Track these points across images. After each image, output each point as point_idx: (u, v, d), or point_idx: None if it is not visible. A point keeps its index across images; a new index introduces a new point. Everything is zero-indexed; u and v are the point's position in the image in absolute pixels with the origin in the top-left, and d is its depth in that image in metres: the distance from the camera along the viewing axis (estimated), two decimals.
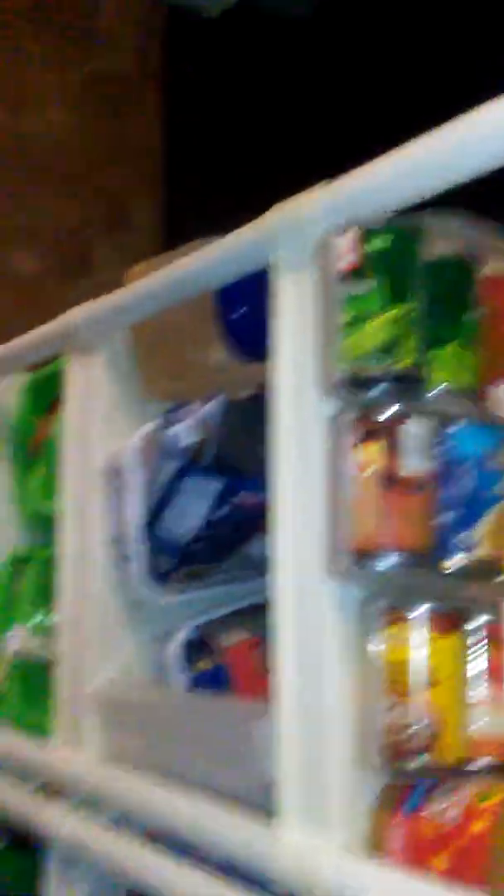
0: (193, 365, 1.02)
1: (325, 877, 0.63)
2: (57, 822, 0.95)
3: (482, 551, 0.67)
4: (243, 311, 0.94)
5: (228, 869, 0.79)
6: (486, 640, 0.68)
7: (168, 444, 0.85)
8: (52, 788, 1.00)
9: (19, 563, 1.30)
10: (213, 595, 0.99)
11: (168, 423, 0.85)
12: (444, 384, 0.68)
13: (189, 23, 1.79)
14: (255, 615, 0.97)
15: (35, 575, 1.21)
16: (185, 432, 0.84)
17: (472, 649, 0.67)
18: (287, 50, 1.89)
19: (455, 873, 0.60)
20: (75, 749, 0.97)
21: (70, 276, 1.07)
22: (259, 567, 0.98)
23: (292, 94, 1.81)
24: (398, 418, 0.65)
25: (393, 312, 0.65)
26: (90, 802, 0.95)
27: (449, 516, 0.67)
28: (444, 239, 0.69)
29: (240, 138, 1.68)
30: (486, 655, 0.68)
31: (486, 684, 0.67)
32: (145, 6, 1.76)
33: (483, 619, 0.69)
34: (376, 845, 0.65)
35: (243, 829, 0.72)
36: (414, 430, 0.65)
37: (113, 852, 0.88)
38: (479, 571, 0.67)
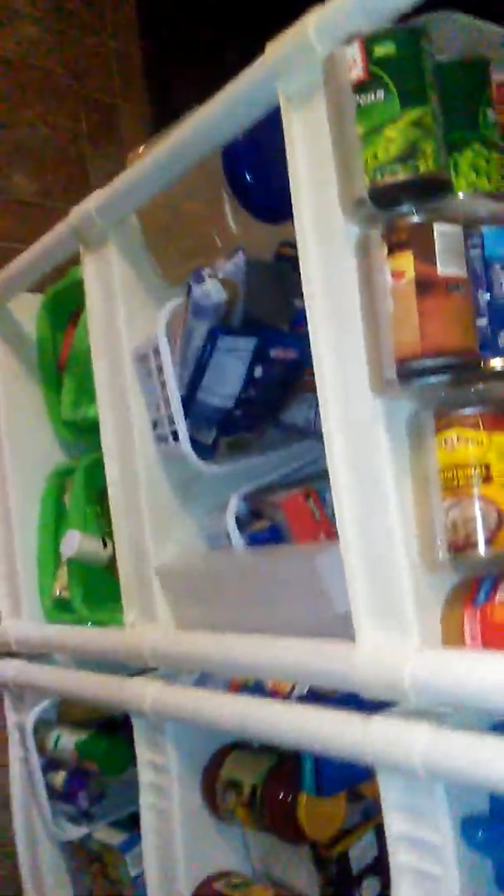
0: (209, 243, 1.02)
1: (406, 673, 0.66)
2: (142, 694, 0.99)
3: None
4: (254, 171, 0.94)
5: (312, 699, 0.83)
6: None
7: (198, 302, 0.86)
8: (132, 667, 1.04)
9: (64, 475, 1.33)
10: (259, 463, 1.01)
11: (195, 283, 0.85)
12: (469, 187, 0.68)
13: None
14: (304, 476, 1.00)
15: (82, 481, 1.24)
16: (214, 289, 0.84)
17: None
18: None
19: None
20: (149, 625, 1.00)
21: (68, 191, 1.07)
22: (301, 432, 1.00)
23: None
24: (426, 223, 0.65)
25: (408, 117, 0.64)
26: (170, 673, 1.00)
27: (487, 317, 0.68)
28: (453, 41, 0.68)
29: (223, 31, 1.63)
30: None
31: None
32: None
33: None
34: (452, 640, 0.68)
35: (324, 651, 0.75)
36: (443, 232, 0.65)
37: (202, 708, 0.92)
38: None
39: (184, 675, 1.00)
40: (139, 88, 1.69)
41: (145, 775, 1.02)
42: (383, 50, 0.65)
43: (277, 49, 0.72)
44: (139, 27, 1.78)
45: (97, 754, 1.17)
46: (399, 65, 0.65)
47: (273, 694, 0.91)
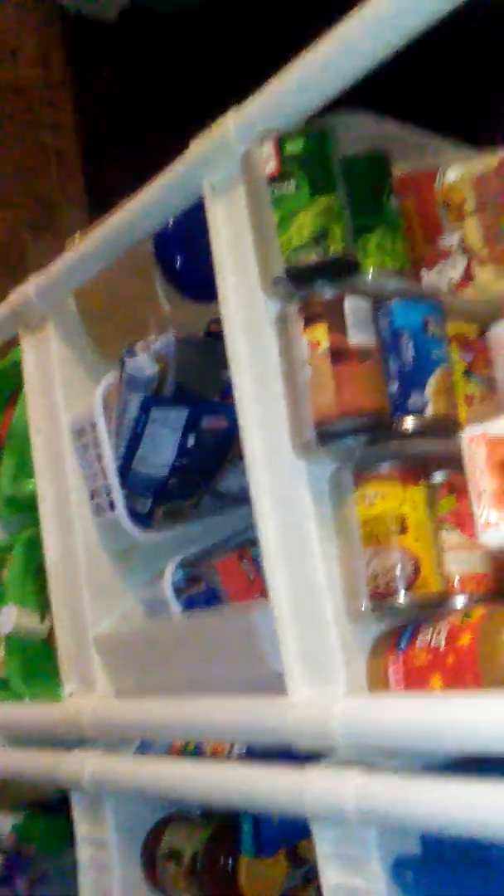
0: (143, 321, 1.08)
1: (337, 720, 0.68)
2: (80, 767, 0.98)
3: (434, 410, 0.74)
4: (182, 254, 1.01)
5: (249, 758, 0.85)
6: (449, 491, 0.75)
7: (131, 375, 0.90)
8: (67, 741, 1.03)
9: (2, 551, 1.33)
10: (196, 530, 1.04)
11: (128, 358, 0.90)
12: (377, 266, 0.75)
13: (88, 28, 1.86)
14: (241, 541, 1.03)
15: (21, 555, 1.25)
16: (145, 362, 0.89)
17: (437, 500, 0.74)
18: (179, 42, 1.98)
19: (451, 688, 0.66)
20: (87, 695, 1.01)
21: (7, 280, 1.12)
22: (236, 499, 1.04)
23: (192, 82, 1.90)
24: (337, 298, 0.72)
25: (317, 205, 0.72)
26: (109, 743, 0.99)
27: (398, 383, 0.74)
28: (357, 137, 0.76)
29: (153, 130, 1.75)
30: (450, 504, 0.74)
31: (454, 529, 0.74)
32: (44, 18, 1.83)
33: (444, 473, 0.75)
34: (378, 687, 0.71)
35: (257, 707, 0.77)
36: (353, 306, 0.72)
37: (141, 776, 0.92)
38: (435, 429, 0.74)
39: (124, 746, 1.00)
40: (77, 184, 1.78)
41: (84, 851, 1.01)
42: (294, 147, 0.72)
43: (201, 145, 0.80)
44: (76, 126, 1.88)
45: (34, 835, 1.14)
46: (308, 159, 0.72)
47: (212, 755, 0.92)
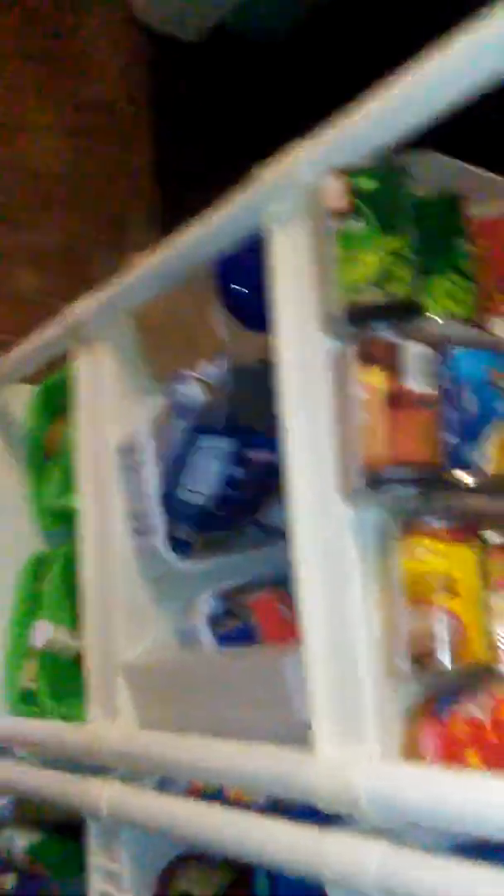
0: (200, 345, 1.06)
1: (363, 787, 0.65)
2: (98, 795, 0.96)
3: (493, 466, 0.70)
4: (243, 283, 0.99)
5: (272, 809, 0.81)
6: (502, 554, 0.71)
7: (180, 402, 0.89)
8: (91, 766, 1.01)
9: (41, 563, 1.33)
10: (235, 563, 1.02)
11: (179, 384, 0.89)
12: (443, 312, 0.72)
13: (172, 49, 1.88)
14: (278, 578, 1.00)
15: (58, 571, 1.24)
16: (196, 389, 0.88)
17: (489, 561, 0.70)
18: (263, 69, 1.98)
19: (489, 765, 0.62)
20: (111, 722, 0.99)
21: (70, 293, 1.13)
22: (277, 534, 1.02)
23: (273, 108, 1.90)
24: (398, 343, 0.69)
25: (385, 245, 0.69)
26: (130, 773, 0.97)
27: (456, 434, 0.71)
28: (429, 178, 0.73)
29: (228, 154, 1.75)
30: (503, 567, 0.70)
31: None
32: (129, 36, 1.85)
33: (500, 534, 0.72)
34: (411, 754, 0.67)
35: (282, 759, 0.74)
36: (415, 351, 0.69)
37: (157, 813, 0.89)
38: (493, 486, 0.70)
39: (145, 777, 0.97)
40: (150, 200, 1.79)
41: (96, 883, 0.98)
42: (366, 184, 0.70)
43: (267, 175, 0.78)
44: (153, 142, 1.89)
45: (49, 858, 1.12)
46: (379, 198, 0.70)
47: (234, 802, 0.89)
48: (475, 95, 0.63)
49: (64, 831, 1.15)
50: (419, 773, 0.63)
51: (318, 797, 0.69)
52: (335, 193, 0.71)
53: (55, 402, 1.36)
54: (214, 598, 0.98)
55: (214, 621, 0.97)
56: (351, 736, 0.69)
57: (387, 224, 0.69)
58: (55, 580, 1.24)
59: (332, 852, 0.67)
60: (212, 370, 0.90)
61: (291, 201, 0.76)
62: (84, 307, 1.07)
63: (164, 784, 0.97)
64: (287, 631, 0.91)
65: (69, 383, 1.18)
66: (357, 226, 0.70)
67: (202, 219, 0.87)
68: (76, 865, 1.08)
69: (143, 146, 1.89)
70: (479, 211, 0.78)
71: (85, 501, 1.08)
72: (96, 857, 0.99)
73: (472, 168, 0.77)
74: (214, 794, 0.92)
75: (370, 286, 0.69)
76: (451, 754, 0.64)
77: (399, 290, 0.69)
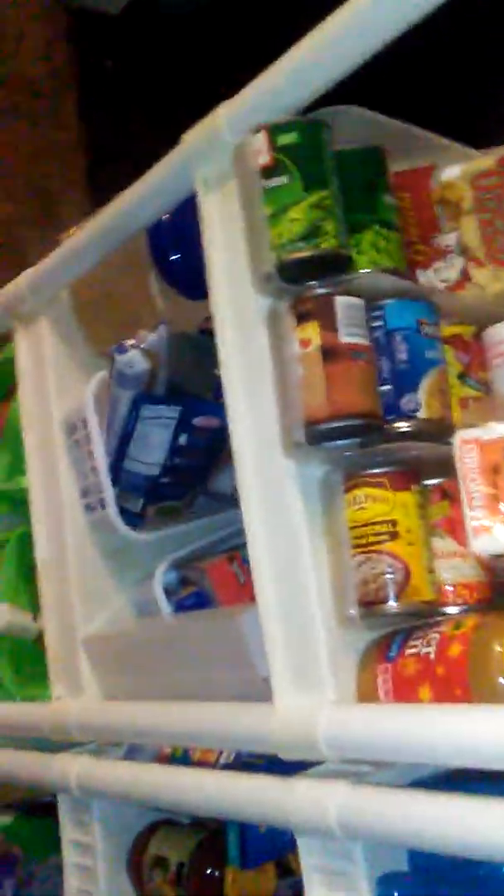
0: (139, 316, 1.06)
1: (321, 729, 0.66)
2: (67, 770, 0.97)
3: (428, 413, 0.72)
4: (178, 251, 0.99)
5: (238, 767, 0.83)
6: (441, 496, 0.73)
7: (122, 372, 0.89)
8: (58, 743, 1.02)
9: None
10: (188, 531, 1.02)
11: (119, 354, 0.89)
12: (371, 264, 0.73)
13: (93, 23, 1.85)
14: (234, 543, 1.01)
15: (13, 553, 1.23)
16: (137, 358, 0.88)
17: (429, 505, 0.72)
18: (183, 38, 1.97)
19: (440, 699, 0.64)
20: (75, 696, 0.99)
21: (4, 273, 1.11)
22: (229, 499, 1.03)
23: (194, 76, 1.89)
24: (329, 295, 0.70)
25: (310, 199, 0.70)
26: (97, 747, 0.98)
27: (390, 384, 0.72)
28: (353, 132, 0.74)
29: (153, 123, 1.73)
30: (442, 510, 0.72)
31: (446, 536, 0.72)
32: (51, 11, 1.82)
33: (437, 479, 0.73)
34: (367, 697, 0.69)
35: (242, 714, 0.75)
36: (346, 304, 0.70)
37: (126, 781, 0.90)
38: (428, 431, 0.72)
39: (112, 749, 0.98)
40: (79, 176, 1.77)
41: (70, 856, 0.99)
42: (287, 139, 0.70)
43: (192, 138, 0.78)
44: (78, 119, 1.87)
45: (22, 837, 1.12)
46: (301, 152, 0.70)
47: (200, 764, 0.91)
48: (386, 47, 0.64)
49: (36, 810, 1.15)
50: (373, 710, 0.65)
51: (279, 746, 0.71)
52: (258, 150, 0.71)
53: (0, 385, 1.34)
54: (170, 569, 0.99)
55: (170, 590, 0.98)
56: (308, 685, 0.71)
57: (311, 178, 0.70)
58: (9, 562, 1.23)
59: (295, 798, 0.69)
60: (151, 338, 0.90)
61: (218, 163, 0.76)
62: (20, 285, 1.06)
63: (132, 754, 0.98)
64: (242, 593, 0.93)
65: (11, 365, 1.16)
66: (282, 181, 0.70)
67: (131, 187, 0.87)
68: (50, 843, 1.08)
69: (69, 122, 1.86)
70: (399, 164, 0.79)
71: (34, 480, 1.08)
72: (68, 832, 1.00)
73: (391, 121, 0.78)
74: (180, 759, 0.93)
75: (298, 241, 0.69)
76: (404, 693, 0.66)
77: (326, 244, 0.69)
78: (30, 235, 1.66)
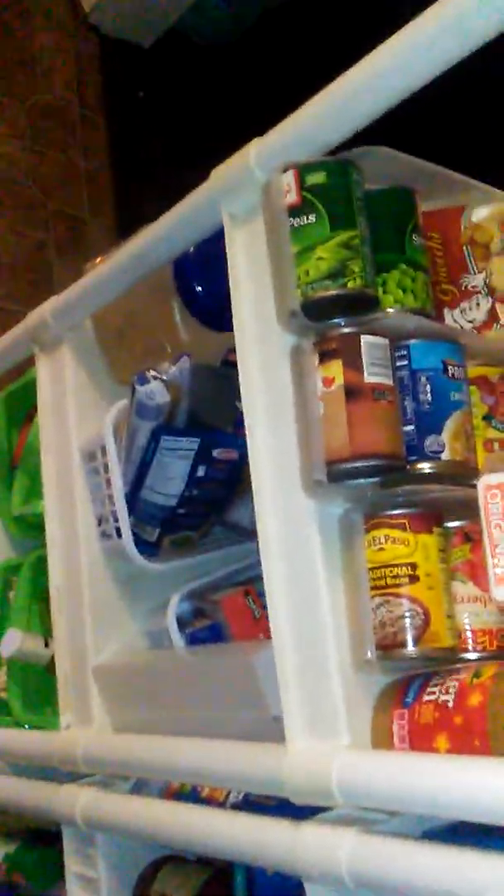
0: (160, 347, 1.06)
1: (334, 775, 0.65)
2: (72, 801, 0.96)
3: (451, 454, 0.71)
4: (203, 283, 0.99)
5: (247, 807, 0.81)
6: (463, 540, 0.72)
7: (142, 402, 0.88)
8: (65, 772, 1.00)
9: (10, 572, 1.31)
10: (203, 562, 1.02)
11: (140, 385, 0.89)
12: (397, 304, 0.72)
13: (125, 53, 1.88)
14: (249, 576, 1.01)
15: (28, 577, 1.23)
16: (158, 389, 0.88)
17: (450, 548, 0.71)
18: (214, 71, 2.00)
19: (457, 749, 0.62)
20: (84, 728, 0.98)
21: (32, 297, 1.12)
22: (245, 533, 1.02)
23: (223, 110, 1.91)
24: (354, 334, 0.69)
25: (337, 239, 0.70)
26: (104, 778, 0.97)
27: (414, 425, 0.71)
28: (380, 173, 0.74)
29: (183, 156, 1.75)
30: (464, 553, 0.71)
31: (467, 581, 0.71)
32: (79, 40, 1.85)
33: (459, 522, 0.73)
34: (381, 742, 0.68)
35: (254, 754, 0.74)
36: (370, 343, 0.69)
37: (131, 816, 0.89)
38: (451, 474, 0.71)
39: (119, 782, 0.97)
40: (107, 204, 1.78)
41: (73, 890, 0.98)
42: (315, 178, 0.70)
43: (222, 173, 0.78)
44: (109, 147, 1.89)
45: (26, 867, 1.11)
46: (329, 192, 0.70)
47: (208, 801, 0.89)
48: (419, 90, 0.64)
49: (41, 839, 1.14)
50: (389, 758, 0.64)
51: (290, 790, 0.70)
52: (286, 189, 0.71)
53: (19, 409, 1.35)
54: (184, 599, 0.98)
55: (184, 621, 0.97)
56: (322, 728, 0.69)
57: (339, 217, 0.70)
58: (23, 587, 1.23)
59: (305, 844, 0.67)
60: (173, 370, 0.90)
61: (246, 199, 0.76)
62: (44, 311, 1.07)
63: (139, 787, 0.96)
64: (256, 627, 0.92)
65: (32, 389, 1.17)
66: (309, 220, 0.70)
67: (159, 220, 0.87)
68: (54, 873, 1.07)
69: (98, 151, 1.88)
70: (429, 204, 0.79)
71: (51, 506, 1.08)
72: (72, 864, 0.98)
73: (421, 161, 0.78)
74: (189, 795, 0.92)
75: (325, 280, 0.69)
76: (421, 740, 0.65)
77: (353, 283, 0.69)
78: (57, 263, 1.67)
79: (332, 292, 0.69)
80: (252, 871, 0.86)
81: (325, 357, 0.70)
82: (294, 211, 0.71)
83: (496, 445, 0.76)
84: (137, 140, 1.93)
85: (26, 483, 1.30)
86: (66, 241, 1.73)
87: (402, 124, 0.74)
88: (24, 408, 1.34)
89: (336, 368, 0.69)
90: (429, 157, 0.80)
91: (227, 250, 0.79)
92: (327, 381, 0.69)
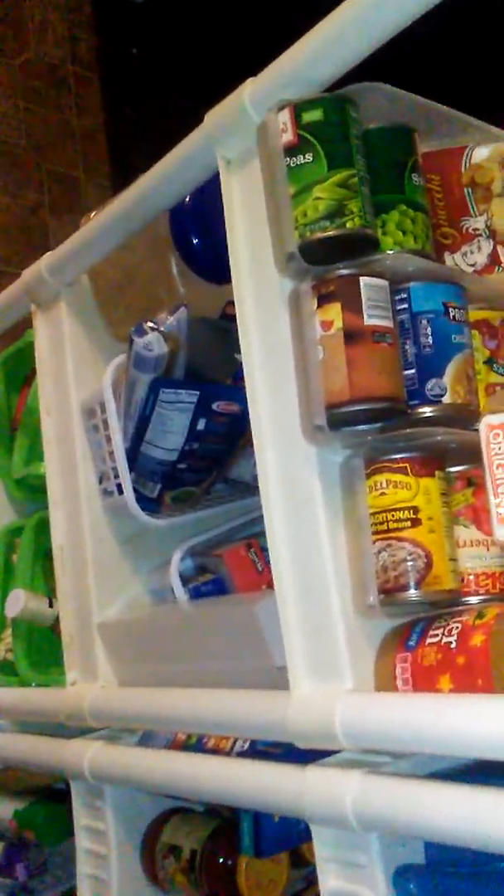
0: (158, 301, 1.05)
1: (338, 717, 0.65)
2: (80, 756, 0.96)
3: (453, 398, 0.70)
4: (199, 234, 0.97)
5: (253, 755, 0.82)
6: (465, 484, 0.72)
7: (140, 354, 0.87)
8: (72, 728, 1.01)
9: (13, 534, 1.31)
10: (205, 517, 1.01)
11: (138, 336, 0.87)
12: (396, 245, 0.71)
13: (117, 9, 1.84)
14: (252, 531, 1.00)
15: (31, 538, 1.23)
16: (155, 340, 0.86)
17: (452, 492, 0.71)
18: (207, 26, 1.95)
19: (460, 689, 0.62)
20: (90, 683, 0.99)
21: (28, 258, 1.11)
22: (247, 487, 1.01)
23: (217, 64, 1.87)
24: (353, 276, 0.68)
25: (335, 178, 0.68)
26: (111, 732, 0.97)
27: (415, 368, 0.70)
28: (381, 111, 0.72)
29: (176, 111, 1.72)
30: (466, 498, 0.71)
31: (469, 525, 0.71)
32: None
33: (461, 466, 0.72)
34: (385, 686, 0.68)
35: (259, 702, 0.74)
36: (370, 285, 0.68)
37: (139, 768, 0.89)
38: (453, 417, 0.70)
39: (126, 735, 0.98)
40: (102, 163, 1.76)
41: (83, 842, 0.99)
42: (311, 116, 0.69)
43: (215, 117, 0.76)
44: (103, 106, 1.86)
45: (35, 823, 1.12)
46: (326, 129, 0.69)
47: (214, 751, 0.90)
48: (419, 27, 0.62)
49: (50, 796, 1.15)
50: (391, 699, 0.64)
51: (295, 735, 0.70)
52: (282, 128, 0.70)
53: (17, 372, 1.34)
54: (186, 554, 0.98)
55: (187, 577, 0.97)
56: (325, 673, 0.69)
57: (336, 156, 0.68)
58: (26, 548, 1.23)
59: (310, 787, 0.68)
60: (171, 320, 0.88)
61: (241, 141, 0.75)
62: (40, 267, 1.05)
63: (146, 739, 0.97)
64: (259, 580, 0.92)
65: (30, 351, 1.16)
66: (306, 159, 0.69)
67: (152, 168, 0.86)
68: (63, 830, 1.08)
69: (92, 109, 1.85)
70: (429, 144, 0.77)
71: (51, 465, 1.07)
72: (81, 817, 0.99)
73: (421, 99, 0.76)
74: (195, 746, 0.92)
75: (323, 221, 0.68)
76: (424, 682, 0.65)
77: (351, 223, 0.68)
78: (52, 222, 1.65)
79: (331, 233, 0.68)
80: (258, 818, 0.87)
81: (323, 300, 0.69)
82: (290, 150, 0.69)
83: (498, 390, 0.75)
84: (132, 97, 1.89)
85: (27, 445, 1.29)
86: (62, 201, 1.70)
87: (402, 62, 0.72)
88: (22, 371, 1.33)
89: (335, 311, 0.68)
90: (429, 96, 0.78)
91: (223, 196, 0.78)
92: (326, 325, 0.68)
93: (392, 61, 0.69)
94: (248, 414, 0.77)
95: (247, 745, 0.86)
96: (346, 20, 0.65)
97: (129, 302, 1.09)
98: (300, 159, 0.69)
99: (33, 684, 1.16)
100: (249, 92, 0.73)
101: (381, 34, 0.64)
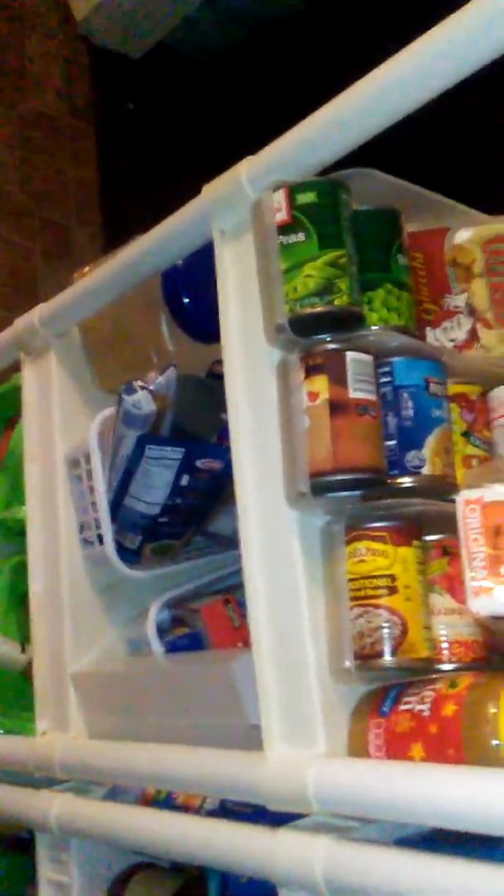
0: (146, 357, 1.08)
1: (311, 782, 0.66)
2: (47, 807, 0.96)
3: (431, 469, 0.73)
4: (190, 295, 1.01)
5: (223, 814, 0.82)
6: (441, 553, 0.74)
7: (129, 412, 0.90)
8: (40, 777, 1.00)
9: None
10: (184, 570, 1.02)
11: (127, 394, 0.90)
12: (381, 322, 0.74)
13: (115, 64, 1.90)
14: (228, 585, 1.02)
15: (6, 582, 1.23)
16: (145, 399, 0.89)
17: (428, 560, 0.73)
18: (203, 85, 2.02)
19: (432, 758, 0.64)
20: (60, 733, 0.98)
21: (15, 303, 1.13)
22: (226, 542, 1.03)
23: (211, 123, 1.94)
24: (339, 350, 0.71)
25: (325, 257, 0.71)
26: (79, 784, 0.97)
27: (396, 440, 0.73)
28: (368, 194, 0.76)
29: (169, 166, 1.77)
30: (441, 566, 0.73)
31: (444, 593, 0.73)
32: (70, 50, 1.87)
33: (438, 535, 0.74)
34: (358, 751, 0.69)
35: (232, 762, 0.75)
36: (355, 359, 0.71)
37: (106, 823, 0.89)
38: (431, 488, 0.73)
39: (95, 787, 0.97)
40: (94, 213, 1.80)
41: (46, 894, 0.98)
42: (305, 198, 0.72)
43: (212, 190, 0.80)
44: (97, 158, 1.91)
45: None
46: (319, 212, 0.72)
47: (184, 808, 0.90)
48: (407, 116, 0.66)
49: (13, 845, 1.14)
50: (364, 766, 0.65)
51: (267, 796, 0.71)
52: (276, 207, 0.73)
53: (1, 414, 1.35)
54: (164, 607, 0.99)
55: (163, 629, 0.98)
56: (299, 735, 0.71)
57: (327, 237, 0.72)
58: (1, 591, 1.23)
59: (280, 850, 0.68)
60: (160, 380, 0.91)
61: (236, 215, 0.78)
62: (32, 318, 1.07)
63: (115, 794, 0.97)
64: (236, 636, 0.93)
65: (15, 395, 1.17)
66: (298, 238, 0.72)
67: (149, 232, 0.89)
68: (24, 880, 1.07)
69: (87, 160, 1.90)
70: (414, 225, 0.81)
71: (33, 512, 1.08)
72: (46, 870, 0.98)
73: (408, 184, 0.80)
74: (164, 802, 0.93)
75: (312, 297, 0.71)
76: (397, 749, 0.66)
77: (340, 301, 0.71)
78: (42, 268, 1.68)
79: (319, 309, 0.71)
80: (226, 879, 0.87)
81: (310, 372, 0.71)
82: (284, 229, 0.72)
83: (475, 462, 0.78)
84: (126, 151, 1.94)
85: (7, 488, 1.30)
86: (53, 248, 1.74)
87: (391, 147, 0.76)
88: (5, 413, 1.35)
89: (321, 383, 0.71)
90: (415, 181, 0.82)
91: (217, 265, 0.81)
92: (312, 396, 0.71)
93: (382, 144, 0.73)
94: (230, 470, 0.80)
95: (217, 804, 0.87)
96: (347, 107, 0.69)
97: (118, 355, 1.12)
98: (293, 238, 0.72)
99: (1, 731, 1.16)
100: (247, 170, 0.76)
101: (379, 124, 0.68)
